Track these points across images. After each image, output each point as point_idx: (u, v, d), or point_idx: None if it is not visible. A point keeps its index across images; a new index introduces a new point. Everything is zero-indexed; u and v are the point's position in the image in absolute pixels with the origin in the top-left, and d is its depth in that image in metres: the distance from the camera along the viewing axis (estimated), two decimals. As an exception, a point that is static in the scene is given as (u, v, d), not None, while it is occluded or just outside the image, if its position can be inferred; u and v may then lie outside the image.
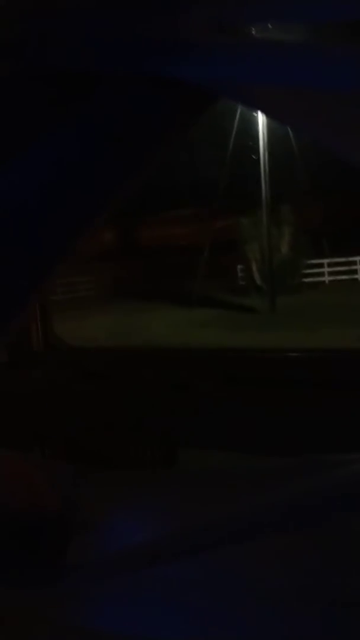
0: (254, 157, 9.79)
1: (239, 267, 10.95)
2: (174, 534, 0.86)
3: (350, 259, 10.64)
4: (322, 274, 10.88)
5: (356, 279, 10.78)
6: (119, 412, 1.82)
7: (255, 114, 8.94)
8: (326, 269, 10.82)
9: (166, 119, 0.69)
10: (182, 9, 0.65)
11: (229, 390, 1.71)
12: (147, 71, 0.64)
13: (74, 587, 0.77)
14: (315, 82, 0.59)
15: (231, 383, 1.73)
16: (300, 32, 0.66)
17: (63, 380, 1.94)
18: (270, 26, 0.67)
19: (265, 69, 0.60)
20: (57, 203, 0.69)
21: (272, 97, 0.64)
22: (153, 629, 0.72)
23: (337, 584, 0.73)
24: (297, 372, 1.71)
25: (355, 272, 10.86)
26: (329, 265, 10.74)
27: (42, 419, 1.86)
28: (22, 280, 0.71)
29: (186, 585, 0.77)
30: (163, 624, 0.72)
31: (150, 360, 1.98)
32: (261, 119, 9.41)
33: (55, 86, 0.67)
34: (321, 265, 10.82)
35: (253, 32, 0.68)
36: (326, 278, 10.85)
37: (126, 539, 0.87)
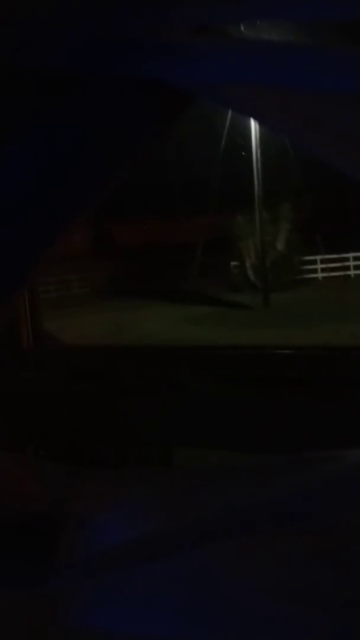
0: (245, 154, 9.80)
1: (233, 264, 10.96)
2: (168, 531, 0.86)
3: (343, 255, 10.66)
4: (315, 271, 10.91)
5: (349, 275, 10.81)
6: (112, 411, 1.82)
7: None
8: (319, 266, 10.85)
9: (147, 119, 0.69)
10: (164, 10, 0.64)
11: (224, 388, 1.71)
12: (128, 72, 0.63)
13: (65, 587, 0.77)
14: (303, 84, 0.58)
15: (226, 380, 1.73)
16: (290, 32, 0.66)
17: (54, 379, 1.94)
18: (258, 23, 0.67)
19: (249, 70, 0.60)
20: (37, 201, 0.69)
21: (256, 99, 0.64)
22: (147, 627, 0.72)
23: (335, 581, 0.73)
24: (291, 369, 1.71)
25: (348, 268, 10.89)
26: (322, 262, 10.76)
27: (32, 419, 1.85)
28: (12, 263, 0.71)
29: (181, 584, 0.76)
30: (157, 623, 0.72)
31: (144, 358, 1.98)
32: (254, 115, 9.38)
33: (35, 86, 0.67)
34: (314, 262, 10.84)
35: (242, 31, 0.67)
36: (319, 275, 10.88)
37: (119, 537, 0.86)
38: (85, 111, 0.68)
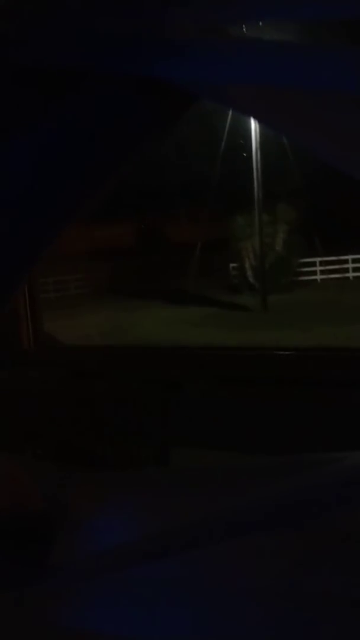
0: (245, 155, 9.81)
1: (232, 265, 10.96)
2: (167, 532, 0.85)
3: (342, 257, 10.67)
4: (314, 273, 10.91)
5: (348, 277, 10.82)
6: (110, 411, 1.81)
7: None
8: (318, 268, 10.85)
9: (149, 118, 0.69)
10: (167, 10, 0.64)
11: (222, 389, 1.71)
12: (131, 71, 0.63)
13: (63, 587, 0.77)
14: (304, 84, 0.58)
15: (224, 381, 1.73)
16: (291, 32, 0.66)
17: (54, 379, 1.94)
18: (259, 24, 0.67)
19: (250, 70, 0.60)
20: (38, 197, 0.69)
21: (256, 99, 0.64)
22: (144, 628, 0.72)
23: (335, 581, 0.73)
24: (289, 370, 1.71)
25: (346, 270, 10.90)
26: (321, 264, 10.77)
27: (32, 419, 1.85)
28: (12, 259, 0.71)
29: (179, 585, 0.76)
30: (154, 624, 0.72)
31: (142, 358, 1.97)
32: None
33: (36, 87, 0.67)
34: (313, 264, 10.85)
35: (243, 32, 0.67)
36: (318, 276, 10.88)
37: (117, 538, 0.86)
38: (87, 110, 0.68)
